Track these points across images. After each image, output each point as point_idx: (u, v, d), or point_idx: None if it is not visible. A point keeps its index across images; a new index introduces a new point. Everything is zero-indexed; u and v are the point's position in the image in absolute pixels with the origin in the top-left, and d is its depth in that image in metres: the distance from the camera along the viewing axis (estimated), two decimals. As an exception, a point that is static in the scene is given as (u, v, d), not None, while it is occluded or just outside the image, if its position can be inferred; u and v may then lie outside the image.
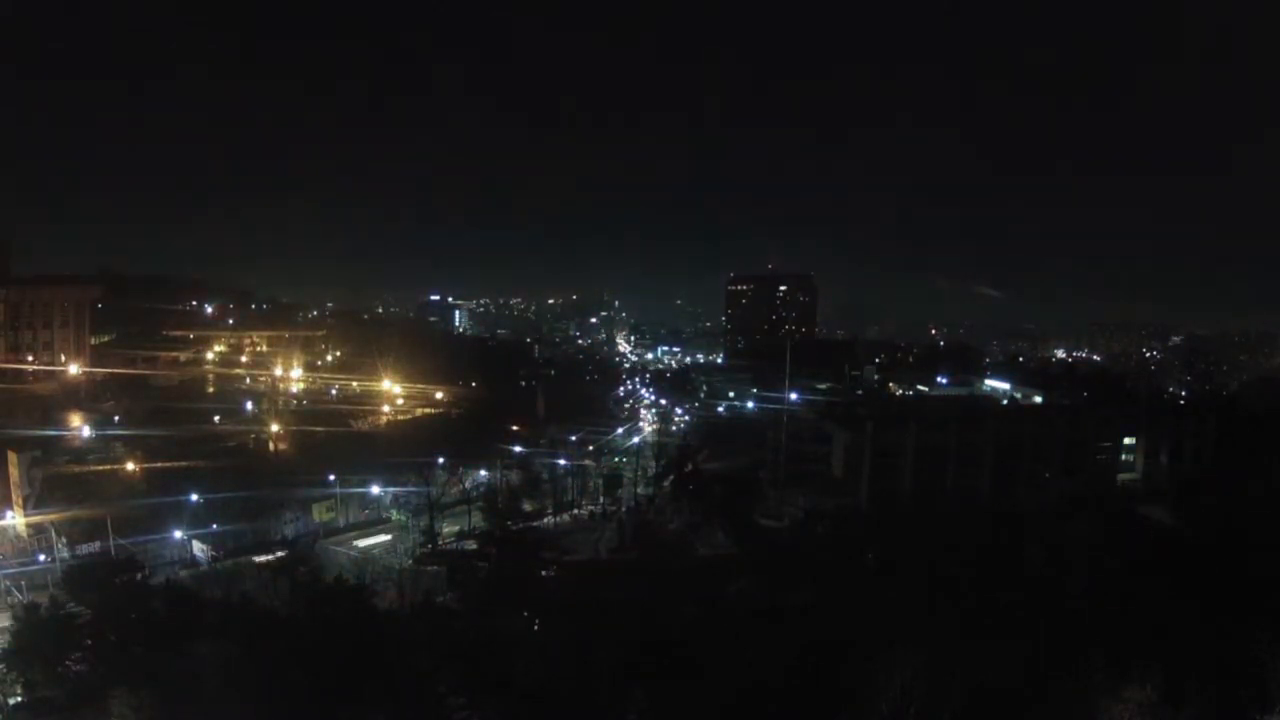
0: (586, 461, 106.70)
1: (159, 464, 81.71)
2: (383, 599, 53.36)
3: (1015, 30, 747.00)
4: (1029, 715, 33.92)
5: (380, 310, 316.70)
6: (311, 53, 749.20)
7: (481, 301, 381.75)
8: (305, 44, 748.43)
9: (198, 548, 72.38)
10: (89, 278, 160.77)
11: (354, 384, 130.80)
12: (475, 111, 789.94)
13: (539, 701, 36.03)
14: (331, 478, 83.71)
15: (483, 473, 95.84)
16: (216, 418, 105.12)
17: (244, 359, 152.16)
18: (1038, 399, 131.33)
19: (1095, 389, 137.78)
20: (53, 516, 70.37)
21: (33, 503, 73.44)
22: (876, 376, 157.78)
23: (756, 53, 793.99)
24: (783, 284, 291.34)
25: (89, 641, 44.20)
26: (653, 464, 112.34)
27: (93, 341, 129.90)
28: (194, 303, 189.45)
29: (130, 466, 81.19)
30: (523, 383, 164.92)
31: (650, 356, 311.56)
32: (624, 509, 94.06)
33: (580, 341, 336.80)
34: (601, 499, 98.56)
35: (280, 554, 61.42)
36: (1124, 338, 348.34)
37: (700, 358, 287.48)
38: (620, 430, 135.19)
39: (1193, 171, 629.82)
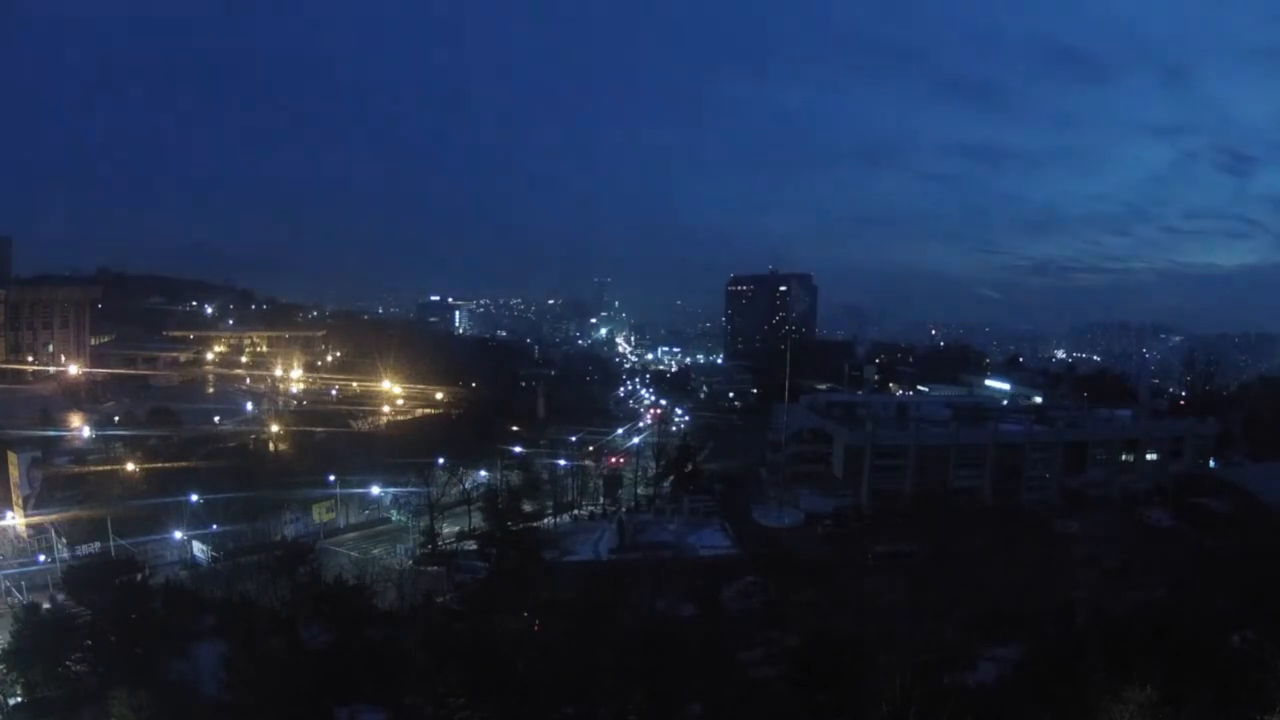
0: (586, 462, 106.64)
1: (159, 464, 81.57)
2: (383, 599, 53.35)
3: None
4: (1029, 715, 33.88)
5: (380, 311, 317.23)
6: (310, 52, 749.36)
7: (481, 302, 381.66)
8: (305, 43, 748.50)
9: (198, 548, 72.27)
10: (89, 278, 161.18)
11: (354, 384, 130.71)
12: (475, 111, 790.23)
13: (539, 702, 35.99)
14: (331, 478, 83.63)
15: (483, 473, 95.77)
16: (216, 418, 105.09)
17: (244, 359, 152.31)
18: (1038, 399, 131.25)
19: (1095, 389, 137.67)
20: (53, 516, 70.20)
21: (33, 503, 73.33)
22: (876, 376, 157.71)
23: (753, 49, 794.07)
24: (783, 284, 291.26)
25: (89, 641, 44.10)
26: (652, 464, 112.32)
27: (93, 341, 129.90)
28: (194, 303, 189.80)
29: (130, 467, 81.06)
30: (523, 383, 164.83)
31: (650, 357, 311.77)
32: (624, 509, 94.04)
33: (580, 342, 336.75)
34: (601, 499, 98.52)
35: (280, 554, 61.22)
36: (1124, 338, 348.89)
37: (700, 358, 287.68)
38: (620, 431, 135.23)
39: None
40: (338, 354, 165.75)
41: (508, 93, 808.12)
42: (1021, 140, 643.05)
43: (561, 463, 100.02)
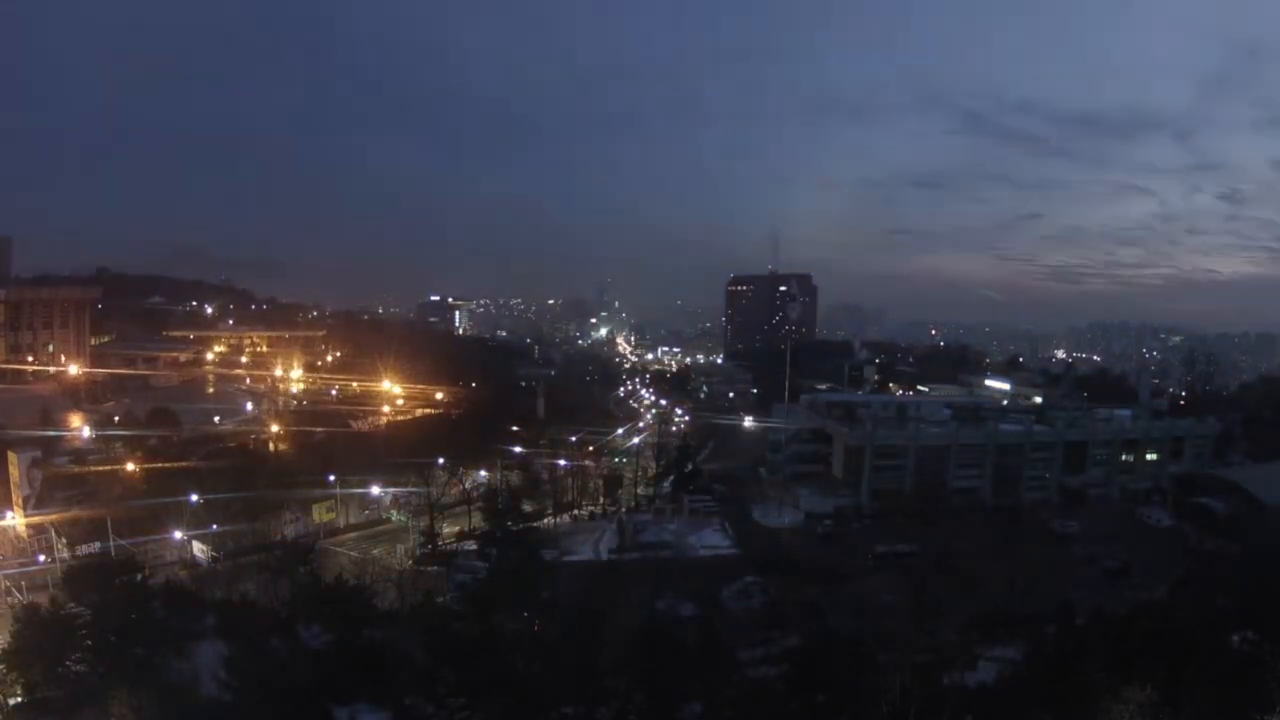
0: (586, 462, 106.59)
1: (159, 464, 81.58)
2: (383, 599, 53.31)
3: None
4: (1029, 715, 33.87)
5: (380, 310, 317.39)
6: (310, 52, 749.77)
7: (481, 302, 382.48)
8: (305, 42, 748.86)
9: (198, 548, 72.24)
10: (89, 278, 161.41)
11: (354, 384, 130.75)
12: (477, 110, 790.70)
13: (539, 702, 35.98)
14: (331, 478, 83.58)
15: (482, 473, 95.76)
16: (216, 418, 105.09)
17: (244, 359, 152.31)
18: (1038, 399, 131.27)
19: (1095, 389, 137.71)
20: (53, 516, 70.18)
21: (33, 503, 73.33)
22: (876, 377, 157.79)
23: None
24: (782, 284, 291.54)
25: (89, 641, 44.04)
26: (653, 464, 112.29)
27: (93, 341, 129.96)
28: (194, 303, 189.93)
29: (130, 466, 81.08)
30: (523, 383, 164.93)
31: (650, 357, 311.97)
32: (624, 509, 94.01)
33: (580, 342, 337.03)
34: (601, 499, 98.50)
35: (280, 554, 61.22)
36: (1124, 338, 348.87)
37: (700, 358, 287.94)
38: (620, 430, 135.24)
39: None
40: (338, 354, 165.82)
41: (510, 92, 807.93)
42: (1051, 174, 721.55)
43: (561, 463, 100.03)
